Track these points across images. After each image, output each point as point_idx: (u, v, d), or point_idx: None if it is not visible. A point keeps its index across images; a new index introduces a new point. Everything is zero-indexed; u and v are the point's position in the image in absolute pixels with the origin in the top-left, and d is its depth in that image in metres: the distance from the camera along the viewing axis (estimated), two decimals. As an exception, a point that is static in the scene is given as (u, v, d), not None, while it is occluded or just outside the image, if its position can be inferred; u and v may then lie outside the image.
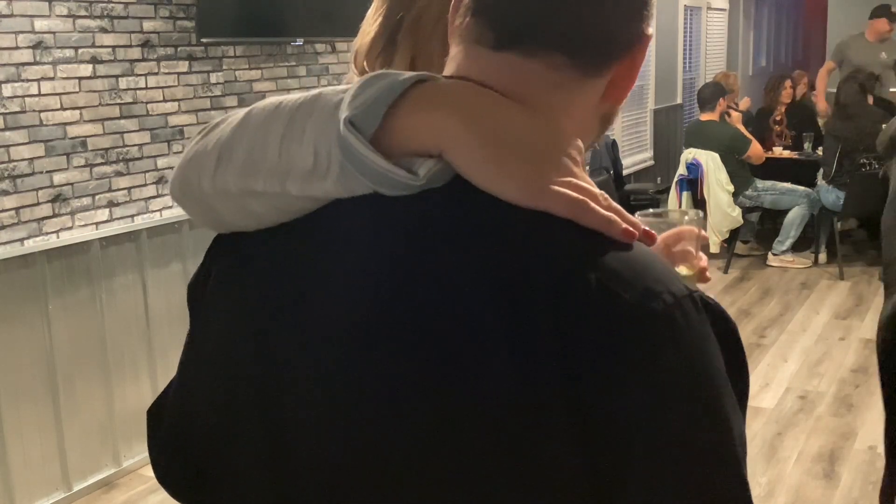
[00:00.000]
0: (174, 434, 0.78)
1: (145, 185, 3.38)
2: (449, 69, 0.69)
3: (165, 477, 0.79)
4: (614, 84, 0.68)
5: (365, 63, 0.94)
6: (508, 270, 0.58)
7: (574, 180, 0.61)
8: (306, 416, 0.65)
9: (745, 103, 6.05)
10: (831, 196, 5.73)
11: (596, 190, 0.61)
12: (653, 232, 0.64)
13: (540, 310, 0.56)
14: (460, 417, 0.58)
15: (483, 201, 0.60)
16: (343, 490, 0.63)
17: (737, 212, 5.84)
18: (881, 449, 1.81)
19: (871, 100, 5.94)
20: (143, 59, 3.31)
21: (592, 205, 0.60)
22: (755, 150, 5.84)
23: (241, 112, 0.69)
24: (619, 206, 0.62)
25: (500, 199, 0.60)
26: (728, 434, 0.58)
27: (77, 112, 3.09)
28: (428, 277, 0.60)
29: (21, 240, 2.95)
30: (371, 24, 0.94)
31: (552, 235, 0.59)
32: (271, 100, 0.67)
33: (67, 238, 3.09)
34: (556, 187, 0.59)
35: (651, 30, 0.68)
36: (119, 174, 3.27)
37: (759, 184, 5.92)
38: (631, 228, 0.60)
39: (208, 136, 0.70)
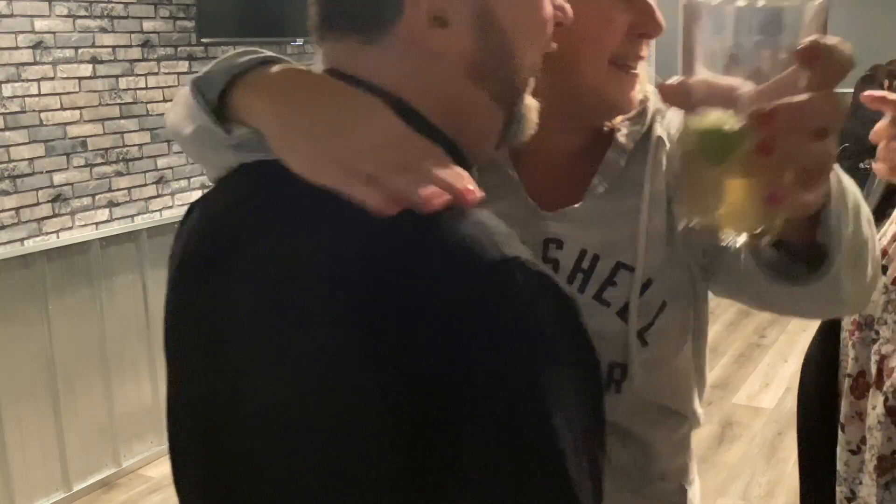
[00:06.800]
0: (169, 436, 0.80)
1: (145, 185, 3.38)
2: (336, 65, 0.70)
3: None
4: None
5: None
6: (324, 252, 0.59)
7: (357, 161, 0.59)
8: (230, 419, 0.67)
9: None
10: (831, 196, 5.72)
11: (391, 163, 0.59)
12: (474, 193, 0.59)
13: (357, 287, 0.57)
14: (329, 424, 0.59)
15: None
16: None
17: (736, 212, 5.84)
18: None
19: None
20: (143, 59, 3.31)
21: (357, 185, 0.58)
22: None
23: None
24: (439, 173, 0.58)
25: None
26: (556, 393, 0.56)
27: (77, 112, 3.09)
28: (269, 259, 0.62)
29: (21, 240, 2.95)
30: None
31: (361, 210, 0.58)
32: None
33: (67, 238, 3.09)
34: (333, 165, 0.59)
35: None
36: (119, 174, 3.28)
37: (759, 184, 5.92)
38: (430, 200, 0.56)
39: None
